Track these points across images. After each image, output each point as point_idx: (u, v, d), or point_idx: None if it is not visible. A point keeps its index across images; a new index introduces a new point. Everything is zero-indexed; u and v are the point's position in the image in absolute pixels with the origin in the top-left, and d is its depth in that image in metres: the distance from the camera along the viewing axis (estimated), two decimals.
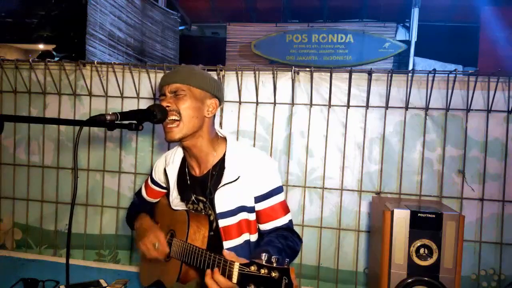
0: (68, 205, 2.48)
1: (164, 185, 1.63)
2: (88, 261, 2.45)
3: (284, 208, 1.42)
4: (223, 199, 1.35)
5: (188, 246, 1.30)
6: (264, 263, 0.95)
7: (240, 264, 0.99)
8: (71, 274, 1.07)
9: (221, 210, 1.35)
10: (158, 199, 1.69)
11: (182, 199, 1.49)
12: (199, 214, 1.43)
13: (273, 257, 0.95)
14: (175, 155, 1.52)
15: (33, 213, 2.53)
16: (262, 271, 0.93)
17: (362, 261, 2.20)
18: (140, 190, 1.72)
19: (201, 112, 1.35)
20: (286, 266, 0.93)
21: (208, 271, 1.07)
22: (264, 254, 0.97)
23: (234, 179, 1.34)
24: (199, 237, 1.36)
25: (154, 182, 1.64)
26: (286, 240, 1.32)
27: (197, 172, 1.45)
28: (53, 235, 2.50)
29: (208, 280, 1.06)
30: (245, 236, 1.38)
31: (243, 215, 1.37)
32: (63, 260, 2.43)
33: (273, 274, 0.92)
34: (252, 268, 0.95)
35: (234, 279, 0.99)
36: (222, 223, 1.35)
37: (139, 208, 1.64)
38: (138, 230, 1.51)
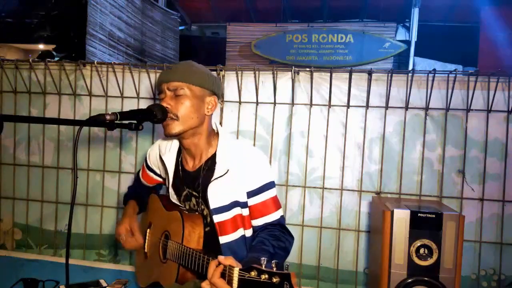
0: (68, 205, 2.48)
1: (158, 171, 1.62)
2: (88, 261, 2.45)
3: (276, 203, 1.40)
4: (216, 194, 1.35)
5: (184, 248, 1.29)
6: (264, 267, 0.93)
7: (240, 269, 0.97)
8: (71, 274, 1.07)
9: (215, 205, 1.34)
10: (153, 185, 1.69)
11: (176, 193, 1.49)
12: (193, 213, 1.42)
13: (273, 261, 0.94)
14: (172, 145, 1.50)
15: (33, 213, 2.53)
16: (263, 276, 0.92)
17: (362, 261, 2.20)
18: (139, 171, 1.73)
19: (201, 110, 1.35)
20: (286, 271, 0.92)
21: (210, 276, 1.05)
22: (263, 258, 0.95)
23: (224, 173, 1.33)
24: (194, 237, 1.35)
25: (149, 167, 1.64)
26: (278, 241, 1.31)
27: (190, 166, 1.44)
28: (53, 235, 2.50)
29: (206, 285, 1.05)
30: (241, 232, 1.38)
31: (237, 210, 1.36)
32: (63, 260, 2.43)
33: (274, 280, 0.90)
34: (252, 273, 0.93)
35: (235, 285, 0.97)
36: (216, 218, 1.34)
37: (134, 192, 1.67)
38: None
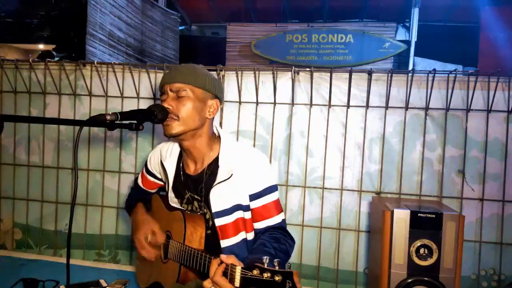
0: (68, 205, 2.48)
1: (159, 176, 1.62)
2: (88, 261, 2.45)
3: (278, 207, 1.40)
4: (219, 198, 1.34)
5: (186, 248, 1.29)
6: (266, 266, 0.93)
7: (242, 267, 0.97)
8: (71, 274, 1.07)
9: (217, 209, 1.34)
10: (155, 190, 1.69)
11: (176, 196, 1.49)
12: (195, 214, 1.42)
13: (275, 260, 0.93)
14: (173, 149, 1.51)
15: (33, 213, 2.53)
16: (265, 275, 0.91)
17: (362, 261, 2.20)
18: (137, 178, 1.73)
19: (202, 113, 1.35)
20: (289, 269, 0.92)
21: (211, 275, 1.05)
22: (265, 257, 0.95)
23: (227, 177, 1.33)
24: (196, 238, 1.35)
25: (149, 172, 1.64)
26: (279, 243, 1.30)
27: (191, 170, 1.44)
28: (53, 235, 2.50)
29: (208, 284, 1.05)
30: (242, 235, 1.38)
31: (239, 214, 1.36)
32: (63, 260, 2.43)
33: (277, 278, 0.90)
34: (255, 272, 0.93)
35: (237, 283, 0.97)
36: (218, 222, 1.34)
37: (137, 196, 1.66)
38: (133, 224, 1.54)
